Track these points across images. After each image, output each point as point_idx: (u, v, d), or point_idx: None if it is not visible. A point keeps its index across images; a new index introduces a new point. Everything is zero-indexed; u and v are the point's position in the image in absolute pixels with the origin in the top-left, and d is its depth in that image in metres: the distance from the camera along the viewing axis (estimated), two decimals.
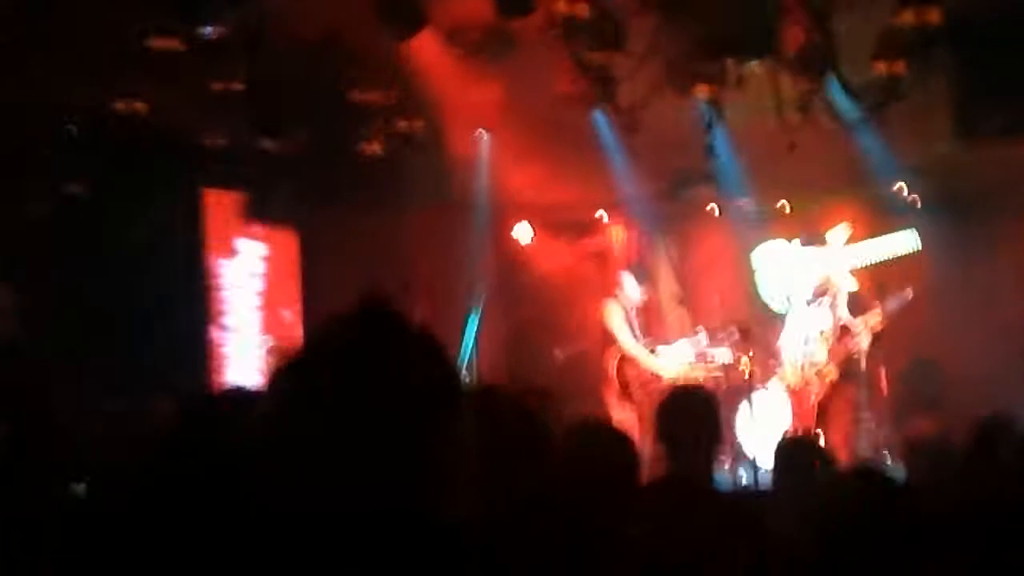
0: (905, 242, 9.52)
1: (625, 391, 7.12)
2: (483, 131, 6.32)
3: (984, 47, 4.40)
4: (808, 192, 9.54)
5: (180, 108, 4.95)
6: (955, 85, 4.52)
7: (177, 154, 5.47)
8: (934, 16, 3.54)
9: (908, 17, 3.56)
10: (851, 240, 9.82)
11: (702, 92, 4.09)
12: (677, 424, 3.20)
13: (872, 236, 9.69)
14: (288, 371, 1.41)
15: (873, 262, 9.61)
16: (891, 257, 9.52)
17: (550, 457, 2.22)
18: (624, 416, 6.95)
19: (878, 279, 9.46)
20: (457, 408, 1.43)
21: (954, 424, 5.50)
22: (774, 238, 9.96)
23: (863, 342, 6.63)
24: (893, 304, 6.63)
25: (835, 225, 9.90)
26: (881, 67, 3.78)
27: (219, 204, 6.37)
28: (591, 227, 10.18)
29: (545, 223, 9.90)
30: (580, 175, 8.46)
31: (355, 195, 5.94)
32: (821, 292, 6.95)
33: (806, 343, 6.86)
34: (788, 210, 9.81)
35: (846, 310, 6.80)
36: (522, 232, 9.85)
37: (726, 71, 3.95)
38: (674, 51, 4.08)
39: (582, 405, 7.73)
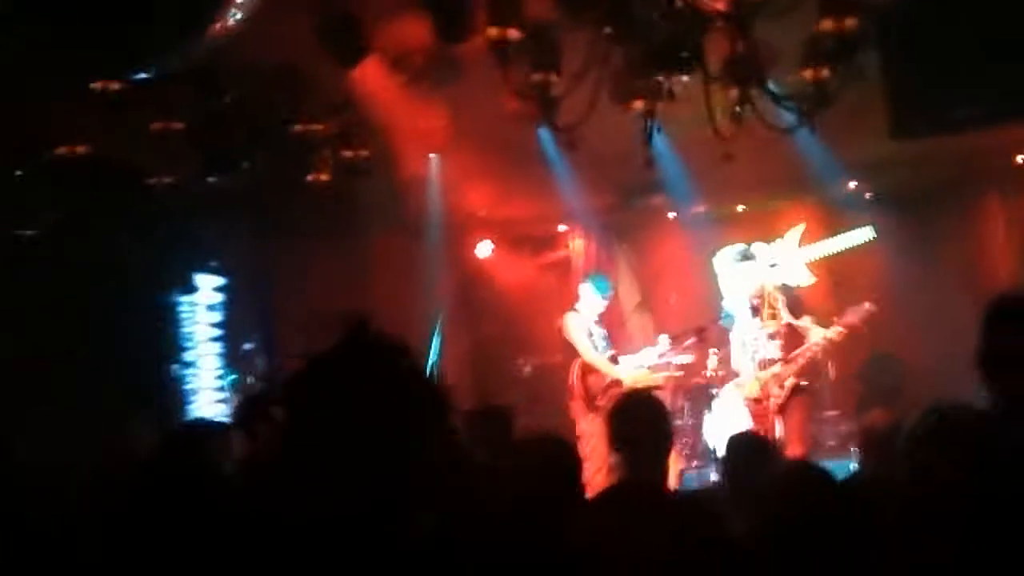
0: (860, 236, 9.73)
1: (589, 401, 7.18)
2: (433, 154, 6.40)
3: (915, 47, 4.53)
4: (762, 195, 9.74)
5: (128, 147, 4.98)
6: (889, 85, 4.65)
7: (130, 192, 5.48)
8: (851, 23, 3.67)
9: (828, 25, 3.69)
10: (807, 239, 10.05)
11: (638, 106, 4.18)
12: (628, 429, 3.27)
13: (828, 235, 9.92)
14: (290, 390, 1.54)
15: (829, 254, 9.85)
16: (846, 248, 9.75)
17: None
18: (590, 426, 7.02)
19: (834, 277, 9.67)
20: (443, 423, 1.54)
21: (910, 415, 5.62)
22: (732, 241, 10.14)
23: (817, 341, 6.73)
24: (852, 317, 6.74)
25: (791, 226, 10.14)
26: (808, 74, 3.90)
27: (176, 240, 6.40)
28: (550, 240, 10.31)
29: (505, 239, 10.02)
30: (536, 190, 8.56)
31: (309, 225, 5.98)
32: (759, 299, 7.06)
33: (756, 352, 6.96)
34: (743, 212, 10.05)
35: (787, 313, 6.90)
36: (482, 248, 9.97)
37: (659, 85, 4.04)
38: (608, 68, 4.17)
39: (548, 417, 7.84)
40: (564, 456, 2.96)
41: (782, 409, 6.70)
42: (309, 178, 4.94)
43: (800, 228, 10.05)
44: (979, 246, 9.38)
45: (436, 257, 7.89)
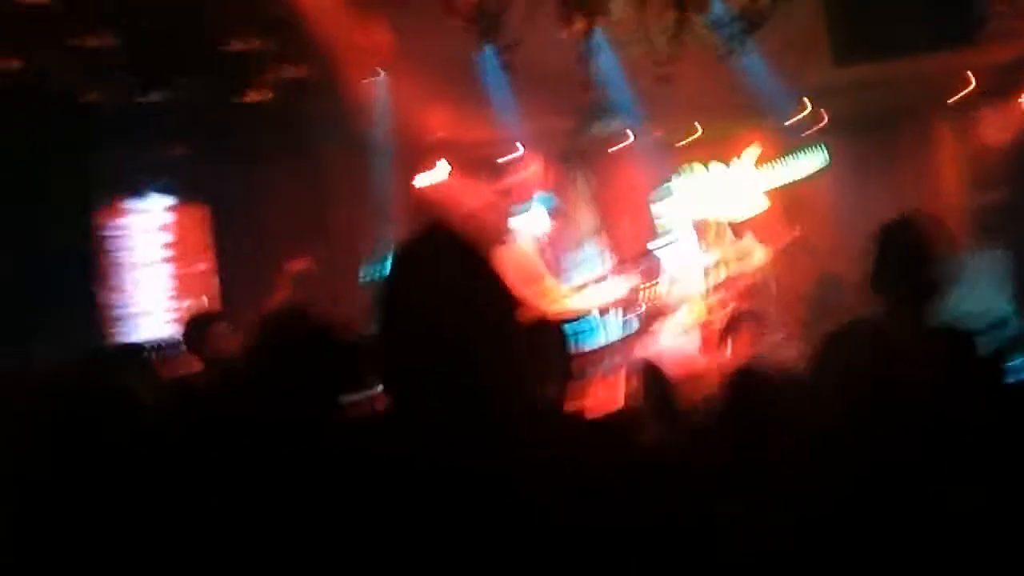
0: (813, 161, 9.81)
1: None
2: (380, 72, 6.31)
3: None
4: (718, 120, 9.76)
5: (60, 67, 4.89)
6: (831, 11, 4.65)
7: (64, 114, 5.41)
8: None
9: None
10: (762, 161, 10.12)
11: (579, 24, 4.16)
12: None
13: (782, 160, 9.98)
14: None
15: (784, 182, 9.92)
16: (800, 173, 9.83)
17: None
18: None
19: (786, 201, 9.77)
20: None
21: None
22: (690, 164, 10.19)
23: (754, 264, 6.84)
24: (778, 241, 6.86)
25: (745, 148, 10.19)
26: None
27: (116, 164, 6.35)
28: (506, 164, 10.26)
29: (461, 162, 9.96)
30: (493, 115, 8.51)
31: (258, 146, 5.92)
32: (703, 227, 7.14)
33: (703, 275, 7.06)
34: (700, 137, 10.06)
35: (731, 237, 7.00)
36: (438, 172, 9.91)
37: (596, 4, 4.03)
38: None
39: None
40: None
41: (727, 332, 6.83)
42: (249, 97, 4.89)
43: (755, 151, 10.12)
44: (928, 173, 9.49)
45: (386, 180, 7.85)
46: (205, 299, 6.82)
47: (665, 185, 7.48)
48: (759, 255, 6.88)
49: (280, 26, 4.97)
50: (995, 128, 8.60)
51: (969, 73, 8.51)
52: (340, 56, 5.62)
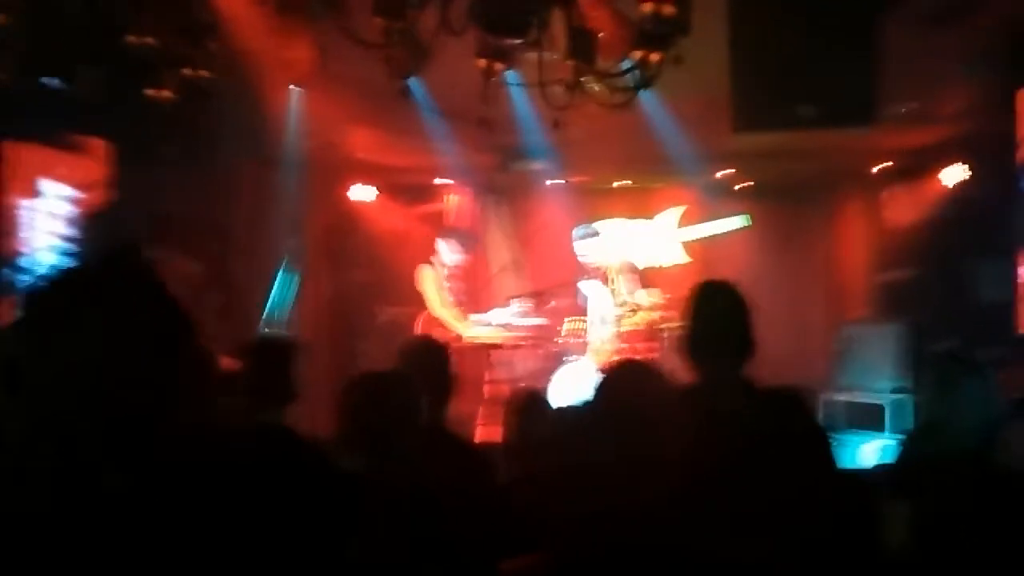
0: (734, 223, 10.00)
1: None
2: (296, 87, 6.23)
3: (760, 44, 4.63)
4: (641, 173, 9.89)
5: None
6: (734, 80, 4.76)
7: None
8: (669, 9, 3.76)
9: (647, 8, 3.77)
10: (686, 220, 10.28)
11: (480, 64, 4.17)
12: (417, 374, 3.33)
13: (704, 219, 10.15)
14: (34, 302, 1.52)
15: (703, 237, 10.10)
16: (720, 233, 10.01)
17: None
18: None
19: (700, 262, 9.92)
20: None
21: None
22: (610, 214, 10.30)
23: (640, 320, 6.96)
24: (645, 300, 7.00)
25: (668, 205, 10.35)
26: (637, 55, 3.95)
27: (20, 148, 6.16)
28: (427, 192, 10.26)
29: (382, 185, 9.93)
30: (417, 141, 8.47)
31: (163, 146, 5.77)
32: (601, 276, 7.22)
33: (602, 323, 7.12)
34: (623, 187, 10.19)
35: (624, 289, 7.09)
36: (360, 193, 9.86)
37: (496, 46, 4.05)
38: (460, 26, 4.14)
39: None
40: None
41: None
42: (149, 92, 4.76)
43: (681, 209, 10.29)
44: (837, 246, 9.73)
45: (296, 193, 7.74)
46: None
47: (587, 226, 7.51)
48: (642, 311, 6.98)
49: (195, 28, 4.86)
50: (904, 207, 8.85)
51: (887, 152, 8.78)
52: (259, 66, 5.52)
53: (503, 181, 9.84)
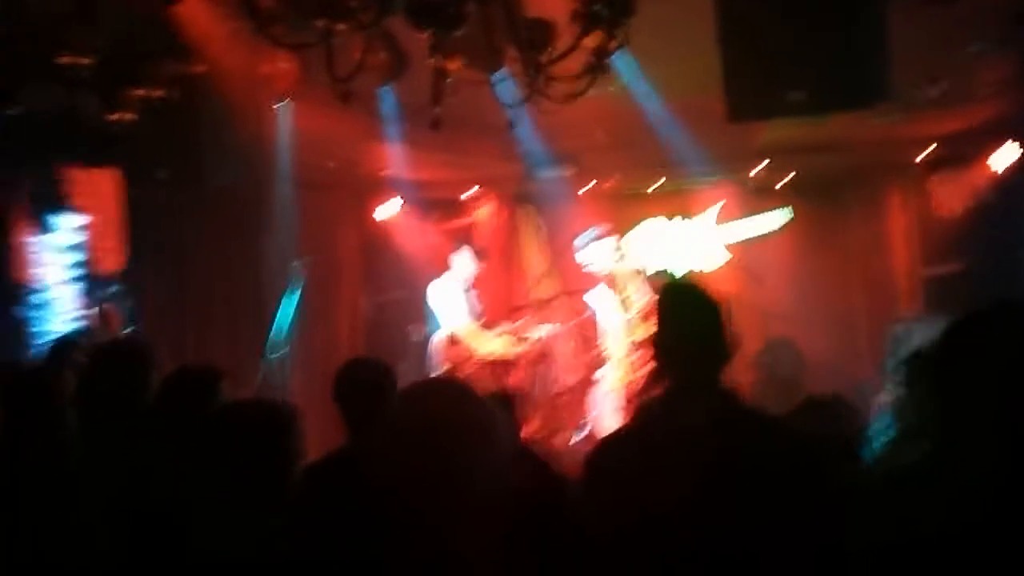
0: (775, 220, 9.63)
1: (452, 370, 7.06)
2: (285, 103, 6.10)
3: (750, 32, 4.39)
4: (679, 174, 9.58)
5: None
6: (725, 70, 4.52)
7: None
8: (613, 45, 3.65)
9: (591, 42, 3.67)
10: (724, 219, 9.93)
11: (430, 63, 4.01)
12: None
13: (743, 217, 9.80)
14: None
15: (744, 237, 9.75)
16: (761, 232, 9.65)
17: None
18: None
19: (744, 258, 9.58)
20: None
21: None
22: (646, 216, 10.03)
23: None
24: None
25: (705, 205, 10.02)
26: (588, 41, 3.74)
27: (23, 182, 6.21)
28: (457, 206, 10.13)
29: (411, 201, 9.82)
30: (443, 154, 8.35)
31: (154, 171, 5.72)
32: (610, 283, 6.93)
33: (610, 333, 6.86)
34: (658, 189, 9.90)
35: (637, 298, 6.78)
36: (389, 210, 9.77)
37: (439, 41, 3.87)
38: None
39: None
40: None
41: (640, 395, 6.57)
42: (112, 117, 4.69)
43: (717, 207, 9.94)
44: (880, 240, 9.29)
45: (287, 212, 7.64)
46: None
47: (589, 232, 7.24)
48: None
49: (174, 46, 4.78)
50: (950, 195, 8.40)
51: (928, 139, 8.35)
52: (237, 85, 5.41)
53: (534, 190, 9.66)
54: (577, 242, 7.13)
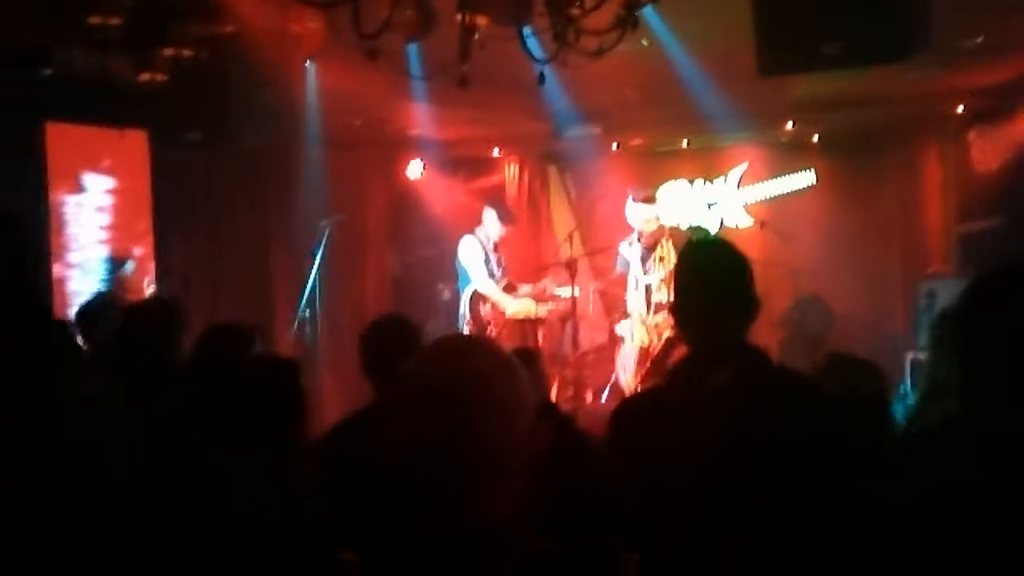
0: (800, 180, 9.51)
1: (480, 329, 7.08)
2: (314, 62, 6.09)
3: None
4: (703, 132, 9.46)
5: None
6: (757, 24, 4.44)
7: (12, 85, 5.30)
8: None
9: None
10: (749, 179, 9.81)
11: (457, 19, 3.97)
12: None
13: (770, 177, 9.67)
14: None
15: (768, 197, 9.64)
16: (786, 192, 9.53)
17: None
18: None
19: (769, 220, 9.46)
20: None
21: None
22: (674, 176, 9.93)
23: None
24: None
25: (733, 165, 9.90)
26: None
27: (63, 137, 6.25)
28: (486, 165, 10.09)
29: (439, 160, 9.80)
30: (472, 112, 8.30)
31: (189, 133, 5.73)
32: (653, 243, 6.88)
33: (646, 294, 6.83)
34: (686, 148, 9.79)
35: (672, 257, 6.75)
36: (417, 169, 9.76)
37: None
38: None
39: None
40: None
41: (661, 358, 6.56)
42: (143, 77, 4.71)
43: (742, 168, 9.83)
44: (913, 197, 9.15)
45: (316, 171, 7.64)
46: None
47: (644, 189, 7.20)
48: None
49: (203, 6, 4.77)
50: (986, 151, 8.24)
51: (964, 92, 8.18)
52: (269, 43, 5.39)
53: (562, 149, 9.60)
54: (632, 196, 7.10)
